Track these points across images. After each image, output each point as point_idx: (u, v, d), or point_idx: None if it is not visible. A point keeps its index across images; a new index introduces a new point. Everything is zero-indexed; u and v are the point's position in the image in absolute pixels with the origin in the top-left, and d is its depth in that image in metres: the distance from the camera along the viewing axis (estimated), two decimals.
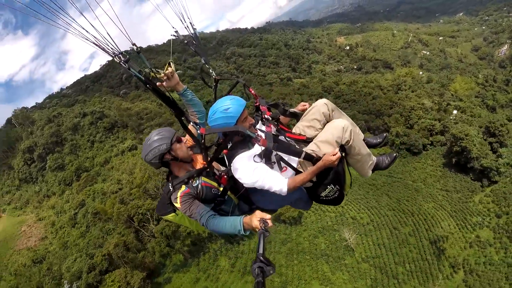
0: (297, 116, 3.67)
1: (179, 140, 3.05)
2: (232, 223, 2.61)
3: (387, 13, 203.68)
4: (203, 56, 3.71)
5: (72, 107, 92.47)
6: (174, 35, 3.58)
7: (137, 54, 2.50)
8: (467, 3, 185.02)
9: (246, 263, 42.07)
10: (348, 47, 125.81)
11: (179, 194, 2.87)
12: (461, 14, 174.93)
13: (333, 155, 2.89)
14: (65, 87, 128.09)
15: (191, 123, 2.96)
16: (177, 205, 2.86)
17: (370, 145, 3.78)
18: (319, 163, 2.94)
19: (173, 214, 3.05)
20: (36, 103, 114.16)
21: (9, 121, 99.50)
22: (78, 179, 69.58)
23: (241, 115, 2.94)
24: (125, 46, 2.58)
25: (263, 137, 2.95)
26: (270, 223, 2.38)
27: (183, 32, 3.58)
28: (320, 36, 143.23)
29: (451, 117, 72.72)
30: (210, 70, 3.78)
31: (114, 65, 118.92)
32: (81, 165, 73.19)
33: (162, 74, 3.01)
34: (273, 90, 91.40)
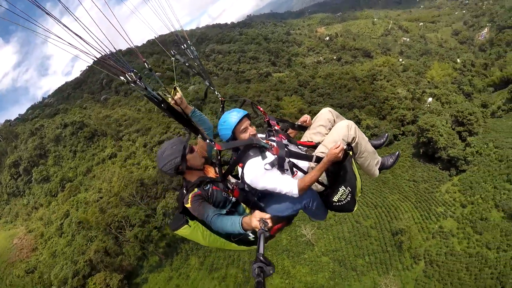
0: (304, 129, 4.05)
1: (191, 151, 3.36)
2: (233, 223, 2.86)
3: (368, 0, 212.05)
4: (207, 78, 3.98)
5: (54, 117, 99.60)
6: (177, 59, 3.95)
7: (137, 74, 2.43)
8: None
9: (213, 260, 49.20)
10: (328, 38, 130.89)
11: (190, 195, 3.19)
12: None
13: (336, 147, 3.13)
14: (47, 95, 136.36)
15: (207, 141, 3.13)
16: (188, 205, 3.16)
17: (375, 147, 4.08)
18: (324, 159, 3.18)
19: (186, 226, 3.28)
20: (19, 114, 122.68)
21: None
22: (63, 190, 76.97)
23: (237, 126, 3.37)
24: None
25: (275, 145, 3.32)
26: (269, 222, 2.58)
27: (175, 43, 3.88)
28: (301, 28, 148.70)
29: (426, 105, 78.24)
30: (216, 92, 4.02)
31: (94, 70, 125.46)
32: (65, 176, 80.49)
33: (171, 100, 3.32)
34: (249, 88, 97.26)
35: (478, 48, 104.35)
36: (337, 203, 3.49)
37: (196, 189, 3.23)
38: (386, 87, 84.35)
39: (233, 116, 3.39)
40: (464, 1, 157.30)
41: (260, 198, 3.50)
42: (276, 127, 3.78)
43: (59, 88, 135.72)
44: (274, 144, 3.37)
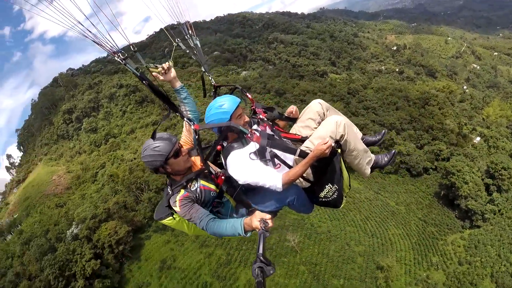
0: (293, 120, 4.23)
1: (176, 155, 3.35)
2: (232, 225, 3.02)
3: (447, 16, 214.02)
4: (203, 65, 4.32)
5: (113, 75, 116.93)
6: (178, 45, 4.20)
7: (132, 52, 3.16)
8: None
9: (207, 238, 58.96)
10: (395, 47, 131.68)
11: (178, 198, 3.26)
12: None
13: (324, 143, 3.26)
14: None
15: (185, 119, 3.43)
16: (176, 208, 3.25)
17: (369, 143, 4.33)
18: (310, 154, 3.32)
19: (171, 218, 3.44)
20: (83, 65, 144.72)
21: (55, 80, 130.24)
22: (106, 143, 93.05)
23: (235, 111, 3.49)
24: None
25: (257, 134, 3.50)
26: (270, 223, 2.78)
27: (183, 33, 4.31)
28: (371, 31, 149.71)
29: (471, 144, 79.13)
30: (210, 78, 4.33)
31: (160, 37, 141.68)
32: (110, 131, 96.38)
33: (160, 68, 3.62)
34: (298, 85, 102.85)
35: None
36: (323, 199, 3.68)
37: (183, 191, 3.32)
38: (435, 114, 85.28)
39: (231, 100, 3.55)
40: None
41: (245, 191, 3.63)
42: (261, 116, 3.98)
43: (124, 47, 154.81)
44: (257, 132, 3.54)
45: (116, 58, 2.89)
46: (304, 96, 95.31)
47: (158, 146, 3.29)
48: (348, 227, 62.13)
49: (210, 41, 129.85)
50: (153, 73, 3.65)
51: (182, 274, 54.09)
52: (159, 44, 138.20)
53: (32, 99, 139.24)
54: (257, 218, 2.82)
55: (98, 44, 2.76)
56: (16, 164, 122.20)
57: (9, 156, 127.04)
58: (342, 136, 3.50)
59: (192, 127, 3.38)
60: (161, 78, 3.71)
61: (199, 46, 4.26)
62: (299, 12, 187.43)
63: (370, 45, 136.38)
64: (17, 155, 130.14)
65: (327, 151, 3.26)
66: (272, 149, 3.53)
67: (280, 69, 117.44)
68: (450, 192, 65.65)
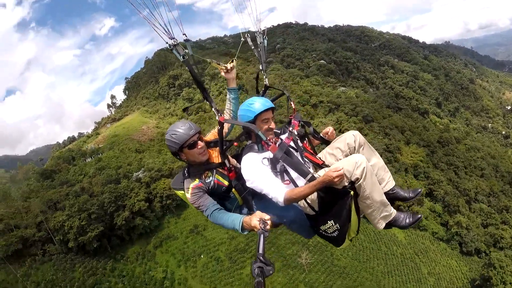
0: (326, 142, 4.29)
1: (191, 146, 3.61)
2: (232, 220, 3.29)
3: None
4: (262, 63, 4.77)
5: (222, 57, 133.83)
6: (246, 41, 4.77)
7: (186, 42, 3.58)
8: None
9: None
10: (510, 107, 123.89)
11: (191, 185, 3.59)
12: None
13: (335, 171, 3.21)
14: (229, 34, 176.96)
15: (213, 109, 3.67)
16: (188, 195, 3.59)
17: (398, 197, 4.11)
18: (319, 178, 3.32)
19: (182, 192, 3.76)
20: (199, 39, 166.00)
21: None
22: (196, 114, 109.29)
23: (261, 114, 3.71)
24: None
25: (276, 145, 3.64)
26: (269, 223, 2.89)
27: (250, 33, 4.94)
28: (490, 81, 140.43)
29: None
30: (264, 77, 4.73)
31: (275, 32, 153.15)
32: (203, 106, 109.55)
33: (223, 66, 4.16)
34: (390, 117, 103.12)
35: None
36: (323, 232, 3.74)
37: (197, 181, 3.61)
38: None
39: (263, 102, 3.74)
40: None
41: (252, 194, 3.81)
42: (294, 129, 4.07)
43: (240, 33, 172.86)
44: (277, 143, 3.71)
45: (167, 43, 3.39)
46: (391, 130, 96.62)
47: (176, 134, 3.58)
48: (364, 273, 64.78)
49: (320, 48, 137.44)
50: (219, 68, 4.27)
51: (204, 243, 66.71)
52: (273, 39, 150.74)
53: (147, 56, 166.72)
54: (257, 218, 2.96)
55: (156, 28, 3.24)
56: (117, 105, 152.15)
57: (113, 96, 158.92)
58: (357, 180, 3.41)
59: (218, 118, 3.62)
60: (222, 74, 4.33)
61: (265, 45, 4.80)
62: (421, 40, 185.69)
63: (484, 97, 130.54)
64: (119, 97, 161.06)
65: (336, 179, 3.20)
66: (284, 164, 3.59)
67: (379, 95, 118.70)
68: (484, 285, 63.10)
